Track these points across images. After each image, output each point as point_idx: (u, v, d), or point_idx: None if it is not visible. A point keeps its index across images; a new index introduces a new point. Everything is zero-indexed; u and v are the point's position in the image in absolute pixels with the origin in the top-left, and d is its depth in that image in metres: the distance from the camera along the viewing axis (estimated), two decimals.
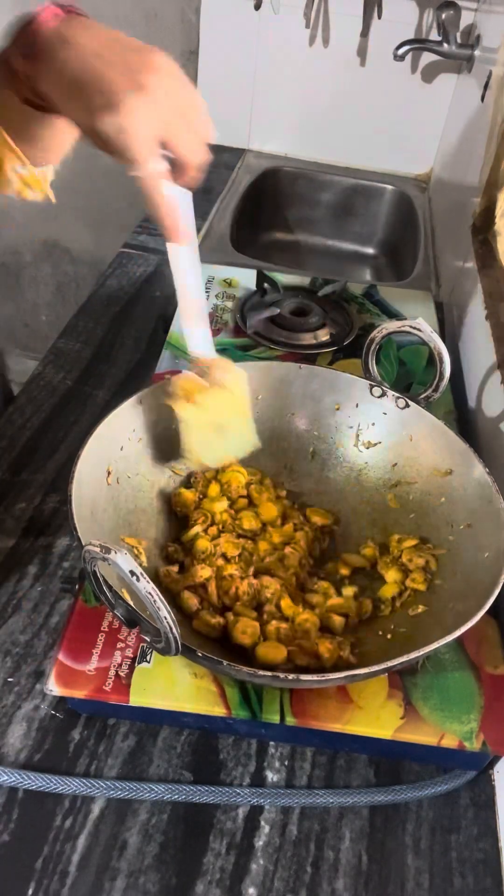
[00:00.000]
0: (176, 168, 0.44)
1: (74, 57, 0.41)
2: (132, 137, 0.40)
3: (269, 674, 0.43)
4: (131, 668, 0.51)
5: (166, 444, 0.60)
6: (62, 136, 0.50)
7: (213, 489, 0.62)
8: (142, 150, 0.40)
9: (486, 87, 1.01)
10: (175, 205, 0.46)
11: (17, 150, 0.49)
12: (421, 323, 0.61)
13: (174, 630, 0.40)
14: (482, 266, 0.85)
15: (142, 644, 0.52)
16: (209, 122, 0.44)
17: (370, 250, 1.48)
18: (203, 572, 0.55)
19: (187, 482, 0.63)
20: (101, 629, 0.53)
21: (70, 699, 0.52)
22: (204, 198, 1.29)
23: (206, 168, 0.45)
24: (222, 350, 0.81)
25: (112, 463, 0.56)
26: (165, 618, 0.39)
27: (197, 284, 0.52)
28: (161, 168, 0.43)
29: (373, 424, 0.65)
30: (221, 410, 0.59)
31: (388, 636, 0.53)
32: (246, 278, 0.94)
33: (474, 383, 0.78)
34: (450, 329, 0.95)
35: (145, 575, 0.38)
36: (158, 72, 0.40)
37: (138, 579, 0.38)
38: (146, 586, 0.38)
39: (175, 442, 0.59)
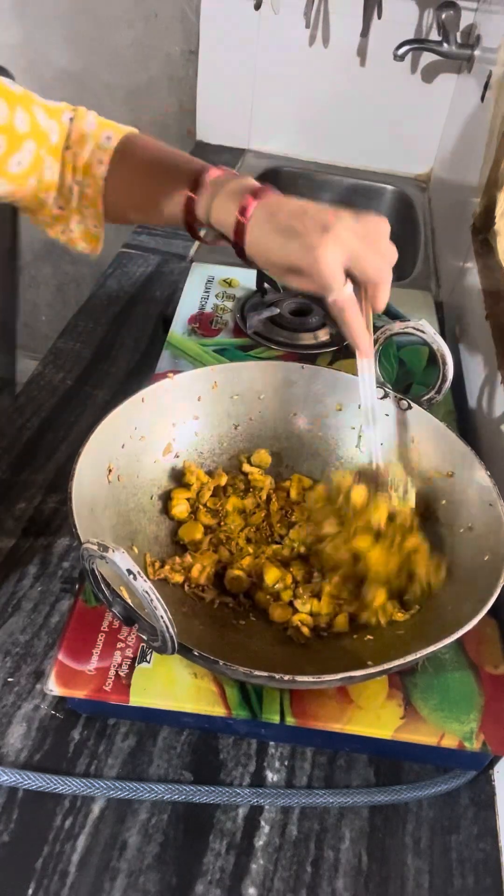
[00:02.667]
0: (365, 289, 0.52)
1: (281, 217, 0.52)
2: (324, 266, 0.49)
3: (266, 673, 0.43)
4: (131, 668, 0.51)
5: None
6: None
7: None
8: (332, 275, 0.50)
9: (486, 87, 1.01)
10: (363, 326, 0.53)
11: (100, 220, 0.66)
12: (424, 324, 0.61)
13: (171, 629, 0.40)
14: (482, 266, 0.85)
15: (141, 644, 0.52)
16: (393, 247, 0.53)
17: None
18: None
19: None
20: (101, 629, 0.53)
21: (70, 699, 0.52)
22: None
23: (390, 287, 0.53)
24: (222, 350, 0.81)
25: (113, 461, 0.56)
26: (162, 616, 0.39)
27: (374, 391, 0.58)
28: (349, 291, 0.51)
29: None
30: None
31: (389, 636, 0.53)
32: (246, 278, 0.94)
33: (475, 384, 0.78)
34: (450, 329, 0.95)
35: (142, 573, 0.38)
36: (342, 218, 0.50)
37: (135, 577, 0.38)
38: (143, 584, 0.38)
39: None
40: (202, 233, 0.62)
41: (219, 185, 0.56)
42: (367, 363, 0.56)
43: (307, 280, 0.52)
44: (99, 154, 0.61)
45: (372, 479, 0.57)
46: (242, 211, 0.54)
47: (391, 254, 0.53)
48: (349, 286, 0.51)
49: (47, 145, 0.60)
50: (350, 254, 0.50)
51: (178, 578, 0.56)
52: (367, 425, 0.58)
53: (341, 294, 0.51)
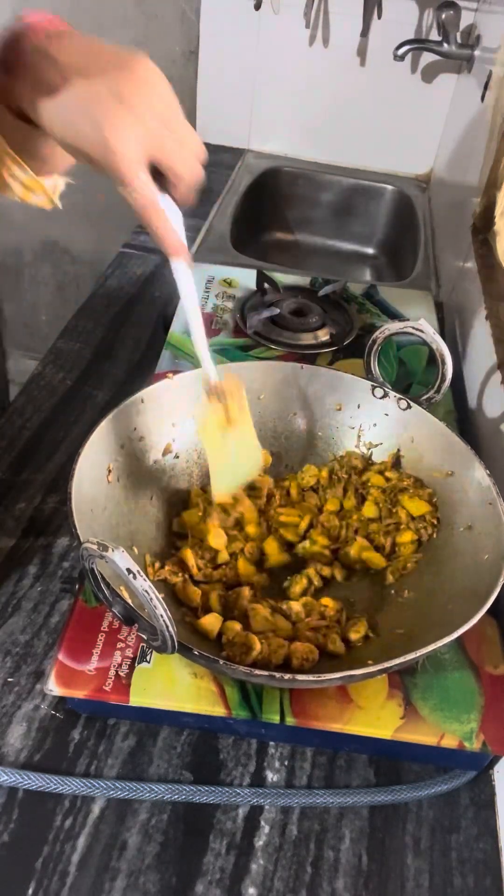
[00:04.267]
0: (168, 184, 0.43)
1: (55, 73, 0.39)
2: (119, 155, 0.38)
3: (266, 673, 0.43)
4: (131, 668, 0.51)
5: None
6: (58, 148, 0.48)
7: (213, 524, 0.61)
8: (130, 167, 0.39)
9: (486, 87, 1.01)
10: (169, 220, 0.44)
11: (13, 155, 0.47)
12: (423, 324, 0.61)
13: (171, 628, 0.40)
14: (482, 266, 0.85)
15: (141, 644, 0.52)
16: (196, 136, 0.42)
17: (370, 250, 1.48)
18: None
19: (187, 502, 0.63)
20: (101, 629, 0.53)
21: (70, 699, 0.52)
22: (204, 198, 1.29)
23: (199, 186, 0.44)
24: (222, 350, 0.81)
25: (113, 461, 0.56)
26: (162, 615, 0.39)
27: (196, 300, 0.51)
28: (151, 185, 0.42)
29: (374, 425, 0.65)
30: (234, 433, 0.56)
31: (389, 636, 0.53)
32: (246, 278, 0.94)
33: (474, 384, 0.78)
34: (450, 329, 0.95)
35: (142, 573, 0.38)
36: (143, 83, 0.39)
37: (135, 577, 0.38)
38: (143, 584, 0.38)
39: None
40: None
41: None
42: (182, 265, 0.48)
43: (93, 161, 0.40)
44: None
45: (216, 392, 0.55)
46: (12, 40, 0.40)
47: (197, 144, 0.42)
48: (148, 182, 0.41)
49: None
50: (153, 144, 0.39)
51: (177, 579, 0.56)
52: (193, 332, 0.52)
53: (143, 191, 0.41)
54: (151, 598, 0.38)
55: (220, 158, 1.44)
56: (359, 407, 0.65)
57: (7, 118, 0.44)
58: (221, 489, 0.58)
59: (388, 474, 0.63)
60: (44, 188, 0.51)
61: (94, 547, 0.38)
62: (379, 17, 1.25)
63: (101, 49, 0.40)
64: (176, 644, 0.41)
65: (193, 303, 0.50)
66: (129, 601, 0.43)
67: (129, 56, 0.39)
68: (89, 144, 0.38)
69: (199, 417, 0.57)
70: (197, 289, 0.90)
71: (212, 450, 0.57)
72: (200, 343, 0.52)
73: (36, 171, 0.49)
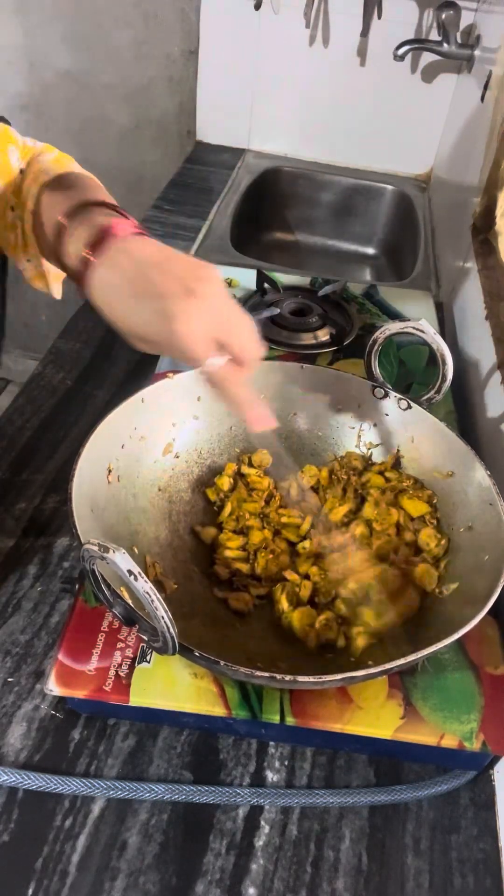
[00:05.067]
0: (234, 363, 0.46)
1: (133, 266, 0.44)
2: (190, 338, 0.43)
3: (267, 674, 0.43)
4: (131, 668, 0.51)
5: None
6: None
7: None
8: (199, 348, 0.43)
9: (486, 87, 1.01)
10: (246, 396, 0.47)
11: (40, 258, 0.57)
12: (424, 324, 0.61)
13: (171, 629, 0.40)
14: (482, 266, 0.85)
15: (142, 644, 0.52)
16: (254, 327, 0.46)
17: (370, 250, 1.48)
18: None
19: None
20: (101, 629, 0.53)
21: (70, 699, 0.52)
22: (204, 198, 1.29)
23: (260, 359, 0.47)
24: None
25: (113, 461, 0.56)
26: (163, 617, 0.39)
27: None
28: (222, 362, 0.45)
29: (374, 425, 0.65)
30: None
31: (389, 636, 0.53)
32: (246, 278, 0.94)
33: (475, 384, 0.78)
34: (450, 329, 0.95)
35: (143, 574, 0.38)
36: (210, 282, 0.44)
37: (136, 578, 0.38)
38: (144, 585, 0.38)
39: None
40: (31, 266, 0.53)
41: (90, 207, 0.48)
42: (269, 434, 0.51)
43: (165, 351, 0.45)
44: (32, 189, 0.55)
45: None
46: (92, 245, 0.45)
47: (251, 325, 0.46)
48: (219, 358, 0.45)
49: (14, 185, 0.56)
50: (217, 326, 0.44)
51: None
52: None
53: (212, 367, 0.45)
54: (152, 600, 0.38)
55: (220, 158, 1.44)
56: (359, 407, 0.65)
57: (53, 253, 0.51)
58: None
59: (388, 474, 0.63)
60: (50, 283, 0.62)
61: (95, 548, 0.38)
62: (379, 17, 1.25)
63: (171, 252, 0.45)
64: (177, 645, 0.41)
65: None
66: (130, 602, 0.43)
67: (201, 264, 0.45)
68: (157, 335, 0.43)
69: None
70: None
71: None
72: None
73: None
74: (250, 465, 0.65)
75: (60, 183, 0.54)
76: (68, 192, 0.52)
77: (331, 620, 0.53)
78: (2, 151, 0.56)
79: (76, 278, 0.48)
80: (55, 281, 0.61)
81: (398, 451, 0.64)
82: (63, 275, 0.60)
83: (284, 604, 0.55)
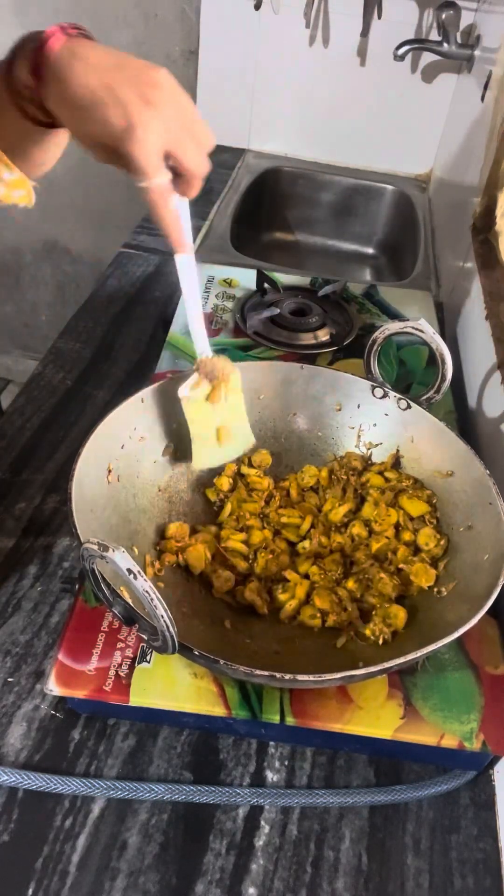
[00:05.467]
0: (179, 178, 0.47)
1: (85, 74, 0.43)
2: (143, 150, 0.43)
3: (266, 673, 0.43)
4: (131, 668, 0.51)
5: (182, 442, 0.62)
6: (53, 150, 0.53)
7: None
8: (151, 161, 0.43)
9: (486, 87, 1.01)
10: (179, 216, 0.48)
11: (5, 159, 0.50)
12: (423, 324, 0.61)
13: (171, 628, 0.40)
14: (482, 266, 0.85)
15: (142, 644, 0.52)
16: (210, 133, 0.47)
17: (370, 250, 1.48)
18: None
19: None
20: (101, 629, 0.53)
21: (70, 699, 0.52)
22: (204, 198, 1.29)
23: (206, 177, 0.48)
24: (222, 350, 0.81)
25: (113, 461, 0.56)
26: (162, 616, 0.39)
27: (197, 290, 0.55)
28: (167, 180, 0.46)
29: (374, 425, 0.65)
30: (222, 412, 0.60)
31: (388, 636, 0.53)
32: (246, 278, 0.94)
33: (474, 384, 0.78)
34: (450, 329, 0.95)
35: (142, 573, 0.38)
36: (163, 88, 0.43)
37: (136, 577, 0.38)
38: (143, 584, 0.38)
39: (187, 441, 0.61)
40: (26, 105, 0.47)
41: (29, 36, 0.46)
42: (187, 260, 0.52)
43: (116, 157, 0.44)
44: None
45: (206, 370, 0.58)
46: (41, 46, 0.44)
47: (208, 140, 0.47)
48: (165, 174, 0.45)
49: None
50: (171, 140, 0.44)
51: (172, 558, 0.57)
52: (190, 313, 0.56)
53: (156, 183, 0.45)
54: (152, 599, 0.38)
55: (220, 158, 1.44)
56: (359, 407, 0.65)
57: (12, 117, 0.47)
58: (202, 462, 0.62)
59: (387, 474, 0.63)
60: (29, 186, 0.53)
61: (95, 547, 0.38)
62: (379, 17, 1.25)
63: (124, 57, 0.44)
64: (176, 644, 0.41)
65: (195, 292, 0.54)
66: (130, 601, 0.43)
67: (152, 67, 0.44)
68: (115, 137, 0.43)
69: (186, 389, 0.59)
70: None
71: (193, 418, 0.59)
72: (197, 321, 0.56)
73: (24, 171, 0.52)
74: (250, 465, 0.65)
75: None
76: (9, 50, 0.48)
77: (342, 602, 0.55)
78: None
79: (32, 103, 0.46)
80: (26, 184, 0.53)
81: (398, 451, 0.64)
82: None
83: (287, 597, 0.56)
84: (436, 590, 0.55)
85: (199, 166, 0.47)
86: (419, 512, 0.59)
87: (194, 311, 0.56)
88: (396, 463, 0.64)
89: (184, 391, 0.58)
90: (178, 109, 0.44)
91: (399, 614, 0.53)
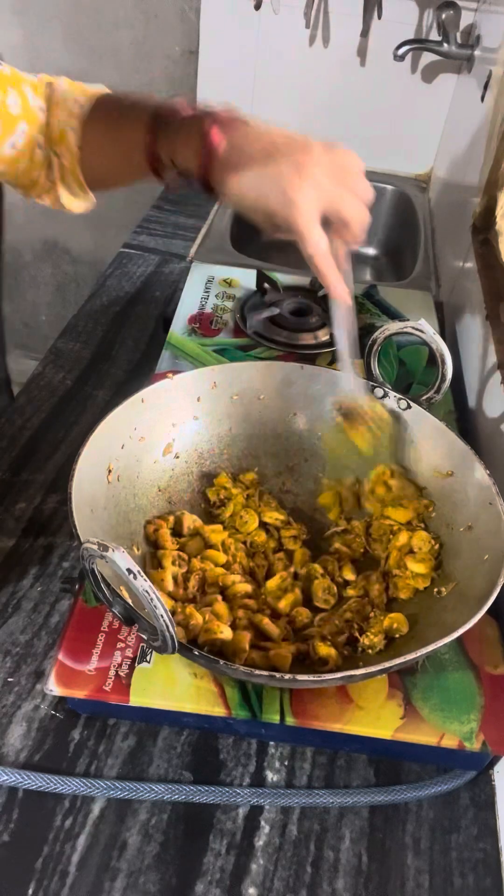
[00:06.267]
0: (341, 229, 0.52)
1: (242, 158, 0.50)
2: (302, 218, 0.48)
3: (266, 673, 0.43)
4: (131, 668, 0.51)
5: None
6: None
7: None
8: (307, 223, 0.48)
9: (486, 87, 1.01)
10: (337, 273, 0.52)
11: (82, 183, 0.63)
12: (423, 324, 0.61)
13: (171, 628, 0.40)
14: (482, 266, 0.85)
15: (141, 644, 0.52)
16: (369, 186, 0.52)
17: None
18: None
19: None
20: (101, 629, 0.53)
21: (70, 699, 0.52)
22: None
23: (368, 227, 0.52)
24: (222, 350, 0.81)
25: (113, 461, 0.56)
26: (162, 615, 0.39)
27: (353, 337, 0.58)
28: (324, 240, 0.50)
29: None
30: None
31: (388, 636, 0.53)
32: (246, 278, 0.94)
33: (474, 384, 0.78)
34: (450, 329, 0.95)
35: (142, 573, 0.38)
36: (313, 154, 0.49)
37: (135, 577, 0.38)
38: (143, 584, 0.38)
39: None
40: (168, 176, 0.58)
41: (180, 121, 0.53)
42: (343, 308, 0.55)
43: (282, 228, 0.50)
44: (70, 122, 0.59)
45: (357, 415, 0.61)
46: (208, 149, 0.51)
47: (367, 192, 0.51)
48: (324, 239, 0.50)
49: (38, 124, 0.60)
50: (327, 198, 0.49)
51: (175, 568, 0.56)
52: (345, 371, 0.59)
53: (317, 247, 0.49)
54: (152, 599, 0.38)
55: None
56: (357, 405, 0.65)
57: (140, 165, 0.56)
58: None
59: (390, 482, 0.62)
60: (90, 197, 0.66)
61: (95, 547, 0.38)
62: (379, 17, 1.25)
63: (279, 136, 0.51)
64: (176, 644, 0.41)
65: (343, 338, 0.58)
66: (130, 601, 0.43)
67: (302, 139, 0.50)
68: (275, 204, 0.49)
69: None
70: (197, 289, 0.91)
71: (332, 448, 0.63)
72: (347, 365, 0.60)
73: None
74: (236, 480, 0.65)
75: (101, 110, 0.59)
76: (120, 117, 0.58)
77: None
78: (20, 94, 0.58)
79: (199, 186, 0.55)
80: (88, 195, 0.66)
81: (392, 468, 0.63)
82: (88, 202, 0.66)
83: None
84: (435, 590, 0.55)
85: (356, 216, 0.51)
86: (406, 518, 0.59)
87: (345, 357, 0.58)
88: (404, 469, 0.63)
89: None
90: (331, 169, 0.49)
91: (397, 622, 0.53)
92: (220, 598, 0.54)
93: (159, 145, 0.54)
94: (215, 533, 0.59)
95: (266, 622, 0.52)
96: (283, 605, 0.55)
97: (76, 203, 0.66)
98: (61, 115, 0.59)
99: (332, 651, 0.51)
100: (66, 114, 0.59)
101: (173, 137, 0.53)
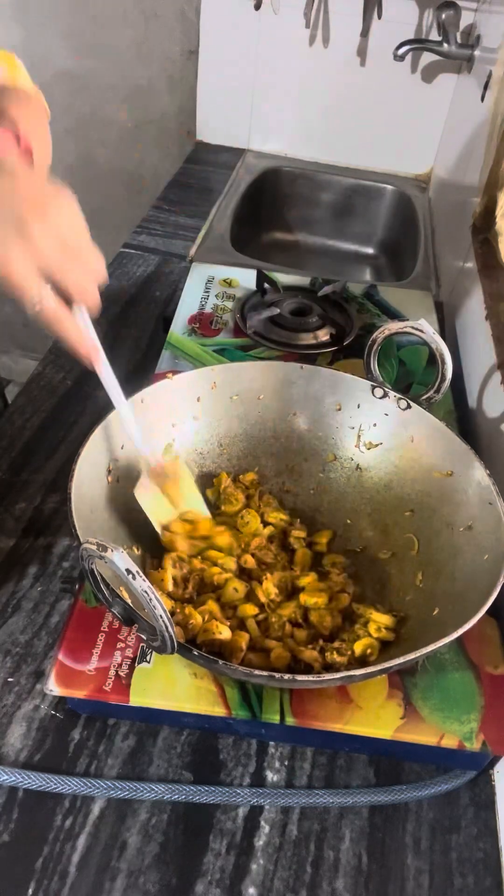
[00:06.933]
0: (70, 299, 0.46)
1: None
2: (14, 275, 0.42)
3: (266, 673, 0.43)
4: (131, 668, 0.51)
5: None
6: None
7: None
8: (27, 284, 0.43)
9: (486, 87, 1.01)
10: (81, 329, 0.48)
11: None
12: (423, 324, 0.61)
13: (170, 628, 0.40)
14: (482, 266, 0.85)
15: (141, 644, 0.52)
16: (100, 258, 0.46)
17: (370, 250, 1.48)
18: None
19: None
20: (101, 629, 0.53)
21: (70, 699, 0.52)
22: (204, 198, 1.29)
23: (98, 303, 0.47)
24: (222, 350, 0.81)
25: (112, 461, 0.56)
26: (161, 616, 0.39)
27: (120, 393, 0.55)
28: (51, 297, 0.45)
29: (374, 425, 0.65)
30: (179, 501, 0.60)
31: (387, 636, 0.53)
32: (246, 278, 0.94)
33: (474, 384, 0.78)
34: (450, 329, 0.95)
35: (141, 573, 0.38)
36: (46, 218, 0.43)
37: (134, 577, 0.38)
38: (142, 584, 0.38)
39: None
40: None
41: None
42: (102, 367, 0.52)
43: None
44: None
45: (159, 476, 0.58)
46: None
47: (96, 261, 0.47)
48: (48, 296, 0.45)
49: None
50: (48, 268, 0.44)
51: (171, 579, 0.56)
52: (126, 427, 0.55)
53: (43, 304, 0.44)
54: (151, 599, 0.38)
55: (220, 158, 1.44)
56: (359, 407, 0.65)
57: None
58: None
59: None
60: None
61: (94, 547, 0.38)
62: (379, 17, 1.25)
63: (16, 187, 0.44)
64: (175, 644, 0.41)
65: (118, 394, 0.54)
66: (129, 601, 0.43)
67: (46, 191, 0.45)
68: None
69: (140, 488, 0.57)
70: (197, 289, 0.91)
71: (151, 509, 0.57)
72: (129, 424, 0.55)
73: None
74: (236, 480, 0.65)
75: None
76: None
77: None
78: None
79: None
80: None
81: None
82: None
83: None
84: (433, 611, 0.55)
85: (83, 290, 0.46)
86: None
87: (125, 415, 0.55)
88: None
89: (139, 490, 0.56)
90: (61, 237, 0.44)
91: (370, 647, 0.51)
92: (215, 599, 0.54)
93: None
94: (221, 536, 0.59)
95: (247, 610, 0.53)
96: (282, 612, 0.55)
97: None
98: None
99: (315, 654, 0.51)
100: None
101: None
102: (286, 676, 0.44)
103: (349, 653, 0.51)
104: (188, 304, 0.88)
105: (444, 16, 1.16)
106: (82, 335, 0.48)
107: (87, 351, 0.49)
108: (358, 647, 0.51)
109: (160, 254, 1.12)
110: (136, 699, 0.49)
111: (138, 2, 1.42)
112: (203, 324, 0.85)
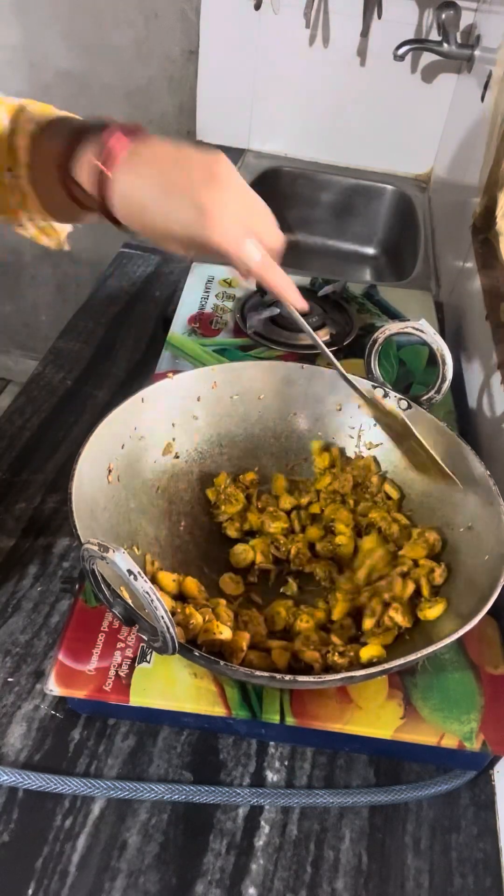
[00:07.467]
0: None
1: (150, 167, 0.45)
2: (222, 231, 0.44)
3: (267, 674, 0.43)
4: (131, 668, 0.51)
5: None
6: (87, 219, 0.55)
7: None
8: (239, 245, 0.45)
9: (486, 87, 1.01)
10: (288, 280, 0.49)
11: (42, 212, 0.55)
12: (423, 324, 0.61)
13: (171, 629, 0.40)
14: (482, 266, 0.85)
15: (141, 644, 0.52)
16: (272, 215, 0.49)
17: (370, 250, 1.48)
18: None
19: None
20: (101, 629, 0.53)
21: (70, 699, 0.52)
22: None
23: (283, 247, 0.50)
24: (222, 350, 0.81)
25: (113, 461, 0.56)
26: (163, 617, 0.39)
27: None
28: (259, 252, 0.46)
29: (374, 425, 0.65)
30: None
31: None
32: None
33: (475, 384, 0.78)
34: (450, 329, 0.95)
35: (143, 574, 0.38)
36: (222, 173, 0.45)
37: (136, 578, 0.38)
38: (143, 585, 0.38)
39: None
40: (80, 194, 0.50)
41: (89, 129, 0.47)
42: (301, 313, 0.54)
43: (196, 247, 0.45)
44: (24, 141, 0.53)
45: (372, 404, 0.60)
46: (107, 155, 0.45)
47: (272, 217, 0.49)
48: (256, 248, 0.46)
49: (4, 147, 0.55)
50: (245, 218, 0.45)
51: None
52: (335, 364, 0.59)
53: (254, 256, 0.45)
54: (152, 600, 0.38)
55: None
56: (359, 407, 0.65)
57: (60, 196, 0.51)
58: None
59: (394, 515, 0.61)
60: (57, 233, 0.59)
61: (95, 548, 0.38)
62: (379, 17, 1.25)
63: (185, 150, 0.46)
64: (176, 645, 0.41)
65: (319, 340, 0.57)
66: (130, 602, 0.43)
67: (210, 155, 0.46)
68: (190, 229, 0.44)
69: None
70: (197, 288, 0.91)
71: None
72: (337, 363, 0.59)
73: (57, 220, 0.57)
74: (235, 480, 0.65)
75: (52, 128, 0.53)
76: (62, 132, 0.50)
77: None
78: None
79: (98, 204, 0.47)
80: (58, 234, 0.61)
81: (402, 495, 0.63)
82: (67, 227, 0.60)
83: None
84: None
85: (277, 240, 0.48)
86: (418, 556, 0.57)
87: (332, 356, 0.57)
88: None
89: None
90: (241, 191, 0.45)
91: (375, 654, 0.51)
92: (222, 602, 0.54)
93: (72, 158, 0.48)
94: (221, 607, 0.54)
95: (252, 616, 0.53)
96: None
97: (44, 237, 0.60)
98: (20, 135, 0.54)
99: (316, 655, 0.51)
100: (22, 133, 0.54)
101: (81, 147, 0.48)
102: (287, 677, 0.44)
103: (351, 654, 0.51)
104: (188, 304, 0.88)
105: (444, 16, 1.16)
106: (291, 284, 0.50)
107: (298, 300, 0.51)
108: (364, 654, 0.51)
109: (160, 254, 1.12)
110: (136, 699, 0.49)
111: (138, 2, 1.42)
112: (203, 324, 0.85)
